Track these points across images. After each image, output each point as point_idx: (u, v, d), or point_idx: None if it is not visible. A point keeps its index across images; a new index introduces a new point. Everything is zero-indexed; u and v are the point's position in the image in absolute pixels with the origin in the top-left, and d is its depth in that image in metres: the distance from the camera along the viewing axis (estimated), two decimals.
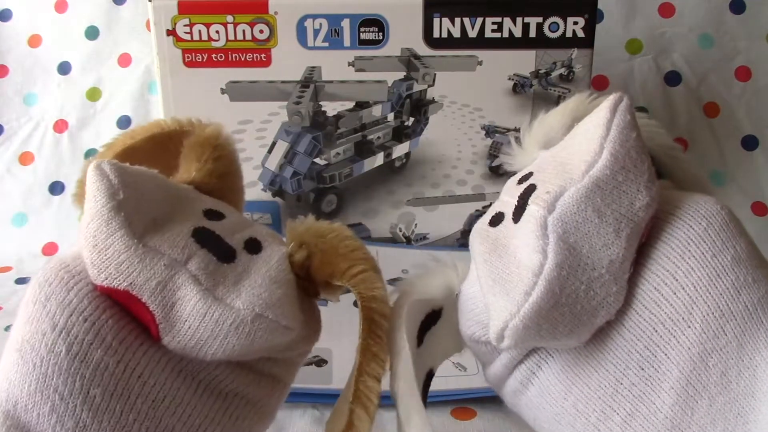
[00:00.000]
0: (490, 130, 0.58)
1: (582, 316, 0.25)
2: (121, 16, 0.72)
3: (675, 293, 0.25)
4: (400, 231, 0.61)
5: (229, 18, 0.54)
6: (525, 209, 0.26)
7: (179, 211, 0.27)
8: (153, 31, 0.55)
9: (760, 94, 0.71)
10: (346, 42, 0.55)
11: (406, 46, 0.56)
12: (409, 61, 0.56)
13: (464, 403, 0.44)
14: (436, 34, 0.56)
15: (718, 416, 0.24)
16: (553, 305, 0.24)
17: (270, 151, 0.58)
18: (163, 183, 0.28)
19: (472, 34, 0.56)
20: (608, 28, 0.70)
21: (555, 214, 0.25)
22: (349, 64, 0.56)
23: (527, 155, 0.31)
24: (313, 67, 0.56)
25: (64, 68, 0.73)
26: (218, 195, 0.30)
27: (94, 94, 0.73)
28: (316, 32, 0.55)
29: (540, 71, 0.57)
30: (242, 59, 0.55)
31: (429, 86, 0.57)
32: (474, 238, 0.29)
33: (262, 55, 0.56)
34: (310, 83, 0.56)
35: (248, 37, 0.55)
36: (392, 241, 0.61)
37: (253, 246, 0.27)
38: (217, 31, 0.55)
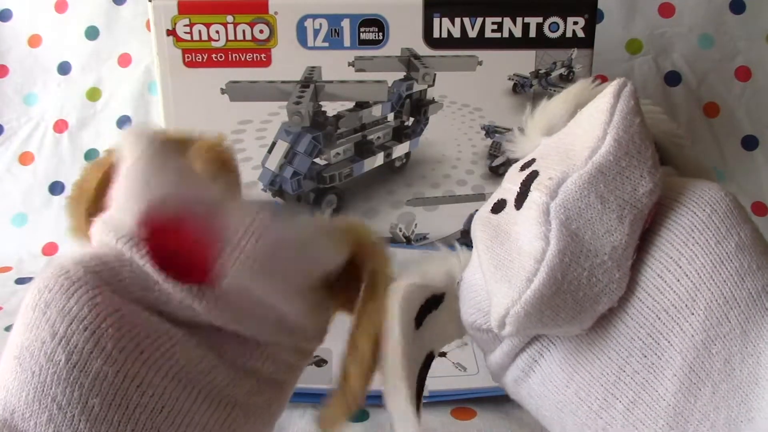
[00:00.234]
0: (490, 130, 0.58)
1: (584, 302, 0.25)
2: (121, 16, 0.72)
3: (678, 280, 0.25)
4: (400, 231, 0.61)
5: (229, 18, 0.54)
6: (527, 196, 0.26)
7: None
8: (153, 31, 0.55)
9: (760, 94, 0.71)
10: (346, 42, 0.55)
11: (406, 46, 0.56)
12: (409, 61, 0.56)
13: (464, 403, 0.44)
14: (436, 34, 0.56)
15: (722, 403, 0.24)
16: (555, 292, 0.24)
17: (270, 151, 0.58)
18: None
19: (472, 34, 0.56)
20: (608, 28, 0.70)
21: (557, 201, 0.25)
22: (349, 64, 0.56)
23: (530, 142, 0.30)
24: (313, 67, 0.56)
25: (64, 68, 0.73)
26: None
27: (94, 94, 0.73)
28: (316, 32, 0.55)
29: (540, 71, 0.57)
30: (242, 59, 0.55)
31: (429, 86, 0.57)
32: (476, 225, 0.29)
33: (262, 55, 0.56)
34: (310, 83, 0.56)
35: (248, 37, 0.55)
36: (392, 241, 0.61)
37: None
38: (217, 31, 0.55)
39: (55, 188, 0.71)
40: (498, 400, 0.43)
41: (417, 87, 0.57)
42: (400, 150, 0.60)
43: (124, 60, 0.73)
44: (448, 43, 0.56)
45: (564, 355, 0.27)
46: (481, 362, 0.46)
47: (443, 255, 0.31)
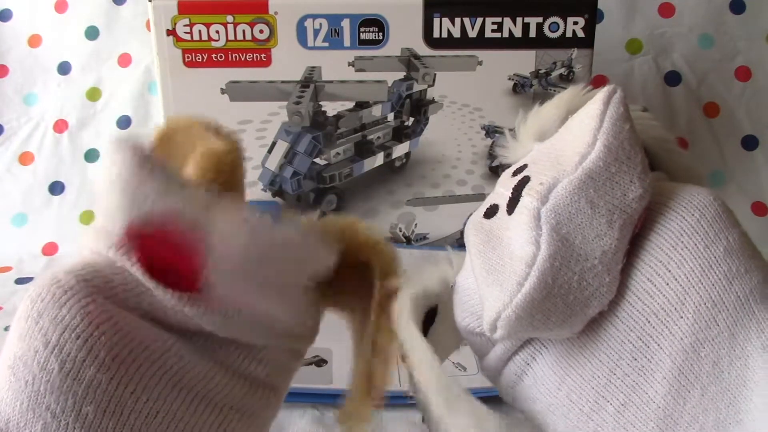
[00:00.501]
0: (490, 130, 0.58)
1: (575, 306, 0.25)
2: (121, 16, 0.72)
3: (668, 284, 0.25)
4: (400, 231, 0.61)
5: (229, 18, 0.55)
6: (519, 201, 0.26)
7: None
8: (153, 31, 0.55)
9: (760, 94, 0.71)
10: (346, 42, 0.55)
11: (406, 46, 0.56)
12: (409, 61, 0.56)
13: None
14: (436, 34, 0.56)
15: (711, 406, 0.24)
16: (545, 296, 0.24)
17: (270, 151, 0.58)
18: None
19: (472, 34, 0.56)
20: (608, 28, 0.70)
21: (548, 206, 0.25)
22: (349, 64, 0.56)
23: (522, 147, 0.31)
24: (313, 67, 0.56)
25: (64, 68, 0.73)
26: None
27: (94, 94, 0.73)
28: (316, 32, 0.55)
29: (540, 71, 0.57)
30: (242, 59, 0.55)
31: (429, 86, 0.57)
32: (469, 229, 0.29)
33: (262, 55, 0.56)
34: (310, 83, 0.56)
35: (248, 37, 0.55)
36: (392, 241, 0.61)
37: None
38: (217, 31, 0.55)
39: (55, 188, 0.71)
40: (498, 400, 0.43)
41: (417, 87, 0.57)
42: (400, 150, 0.60)
43: (124, 60, 0.73)
44: (448, 43, 0.56)
45: (556, 358, 0.27)
46: None
47: (436, 262, 0.32)
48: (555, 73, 0.57)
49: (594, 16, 0.56)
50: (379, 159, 0.60)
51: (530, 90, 0.57)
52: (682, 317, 0.25)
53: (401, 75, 0.57)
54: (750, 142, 0.71)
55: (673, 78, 0.71)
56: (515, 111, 0.58)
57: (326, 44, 0.55)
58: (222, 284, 0.25)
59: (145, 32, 0.71)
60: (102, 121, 0.73)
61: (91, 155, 0.72)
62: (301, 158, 0.58)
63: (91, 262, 0.25)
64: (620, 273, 0.25)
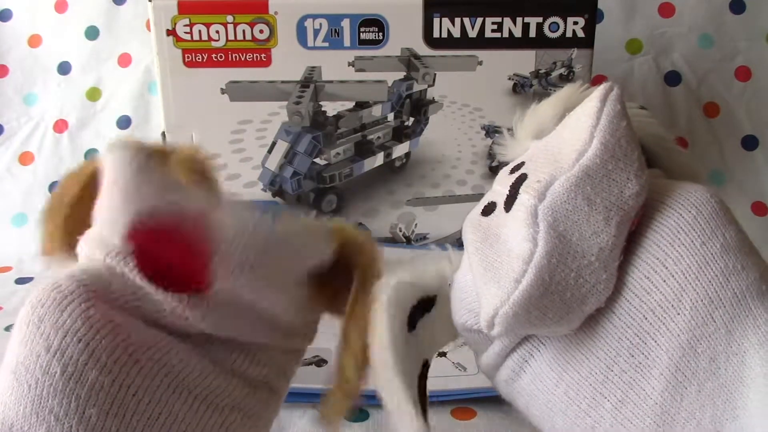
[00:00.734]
0: (490, 130, 0.58)
1: (572, 303, 0.25)
2: (121, 16, 0.72)
3: (665, 281, 0.25)
4: (400, 231, 0.61)
5: (229, 18, 0.55)
6: (516, 198, 0.26)
7: None
8: (153, 31, 0.55)
9: (760, 94, 0.71)
10: (346, 42, 0.56)
11: (406, 46, 0.56)
12: (409, 61, 0.56)
13: (464, 403, 0.44)
14: (436, 34, 0.56)
15: (707, 402, 0.24)
16: (542, 293, 0.24)
17: (270, 151, 0.58)
18: None
19: (472, 34, 0.56)
20: (608, 28, 0.70)
21: (545, 203, 0.25)
22: (349, 64, 0.56)
23: (519, 145, 0.31)
24: (313, 67, 0.56)
25: (64, 68, 0.73)
26: None
27: (94, 94, 0.73)
28: (316, 32, 0.55)
29: (540, 71, 0.57)
30: (242, 59, 0.55)
31: (429, 86, 0.57)
32: (466, 227, 0.29)
33: (262, 55, 0.56)
34: (310, 83, 0.56)
35: (248, 37, 0.55)
36: (392, 241, 0.61)
37: None
38: (217, 31, 0.55)
39: (55, 188, 0.71)
40: (498, 400, 0.43)
41: (417, 87, 0.57)
42: (400, 150, 0.60)
43: (124, 60, 0.73)
44: (448, 43, 0.56)
45: (553, 355, 0.28)
46: None
47: (434, 257, 0.32)
48: (555, 73, 0.57)
49: (594, 16, 0.56)
50: (379, 159, 0.60)
51: (530, 90, 0.57)
52: (679, 314, 0.25)
53: (401, 75, 0.57)
54: (750, 142, 0.71)
55: (673, 78, 0.71)
56: (515, 111, 0.58)
57: (326, 44, 0.55)
58: (224, 282, 0.25)
59: (145, 32, 0.71)
60: (102, 121, 0.73)
61: (91, 155, 0.72)
62: (301, 158, 0.59)
63: (90, 268, 0.26)
64: (617, 270, 0.26)
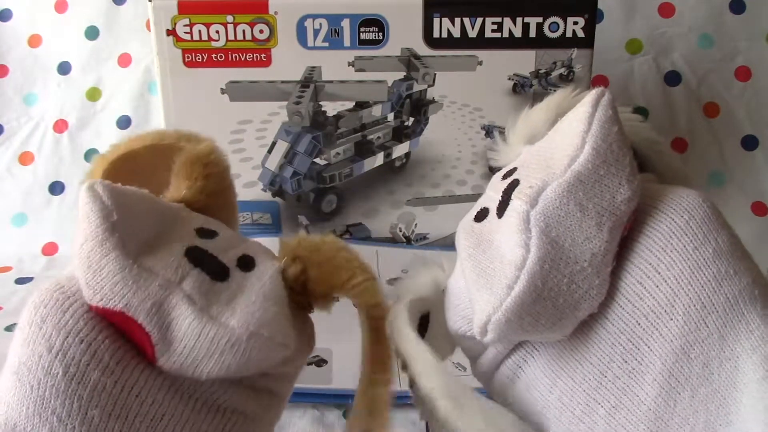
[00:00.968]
0: (490, 130, 0.58)
1: (564, 309, 0.25)
2: (121, 16, 0.72)
3: (657, 286, 0.25)
4: (400, 231, 0.61)
5: (229, 18, 0.54)
6: (509, 204, 0.26)
7: (172, 231, 0.27)
8: (153, 31, 0.55)
9: (760, 94, 0.71)
10: (346, 42, 0.55)
11: (406, 46, 0.56)
12: (409, 61, 0.56)
13: None
14: (436, 34, 0.56)
15: (701, 407, 0.24)
16: (535, 299, 0.24)
17: (270, 151, 0.58)
18: (155, 203, 0.28)
19: (472, 34, 0.56)
20: (608, 28, 0.70)
21: (537, 209, 0.25)
22: (349, 64, 0.56)
23: (512, 151, 0.31)
24: (313, 67, 0.56)
25: (64, 68, 0.73)
26: (210, 212, 0.30)
27: (94, 94, 0.73)
28: (316, 32, 0.55)
29: (540, 71, 0.57)
30: (242, 59, 0.55)
31: (429, 86, 0.57)
32: (459, 233, 0.29)
33: (262, 55, 0.56)
34: (310, 83, 0.56)
35: (248, 37, 0.55)
36: (392, 241, 0.61)
37: (246, 263, 0.27)
38: (217, 31, 0.55)
39: (55, 188, 0.71)
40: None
41: (417, 87, 0.57)
42: (400, 150, 0.60)
43: (124, 60, 0.73)
44: (448, 43, 0.56)
45: (547, 361, 0.28)
46: None
47: (428, 266, 0.32)
48: (555, 73, 0.57)
49: (594, 16, 0.56)
50: (379, 159, 0.60)
51: (530, 90, 0.57)
52: (671, 319, 0.25)
53: (401, 75, 0.57)
54: (750, 142, 0.71)
55: (673, 78, 0.71)
56: (515, 111, 0.58)
57: (326, 44, 0.55)
58: (171, 368, 0.25)
59: (145, 32, 0.70)
60: (102, 121, 0.73)
61: (91, 155, 0.72)
62: (301, 158, 0.58)
63: None
64: (610, 275, 0.26)
